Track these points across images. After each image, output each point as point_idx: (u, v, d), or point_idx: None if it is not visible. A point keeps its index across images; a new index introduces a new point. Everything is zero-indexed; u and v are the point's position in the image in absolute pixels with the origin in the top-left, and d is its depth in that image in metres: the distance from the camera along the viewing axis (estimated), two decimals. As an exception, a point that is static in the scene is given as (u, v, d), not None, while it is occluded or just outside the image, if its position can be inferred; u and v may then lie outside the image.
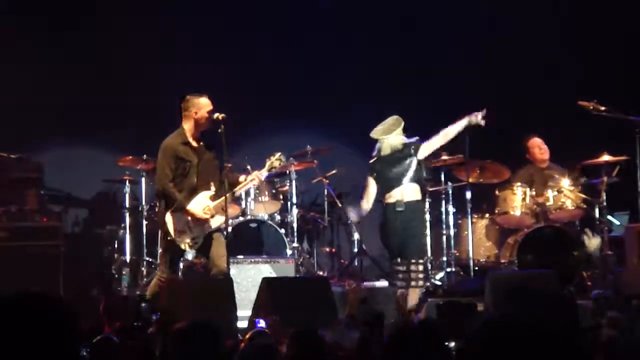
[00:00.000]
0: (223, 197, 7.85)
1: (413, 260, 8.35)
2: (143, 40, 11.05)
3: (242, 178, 8.12)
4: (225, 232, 8.04)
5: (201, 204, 7.98)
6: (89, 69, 10.99)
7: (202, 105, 7.98)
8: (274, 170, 8.23)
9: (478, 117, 8.37)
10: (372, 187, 8.55)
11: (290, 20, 11.68)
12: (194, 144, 8.03)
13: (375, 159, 8.57)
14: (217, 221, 8.04)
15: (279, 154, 8.20)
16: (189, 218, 7.96)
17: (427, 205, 10.83)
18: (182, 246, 8.00)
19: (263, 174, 8.16)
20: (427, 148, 8.49)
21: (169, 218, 8.01)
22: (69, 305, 2.65)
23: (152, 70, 10.96)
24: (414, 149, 8.46)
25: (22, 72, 10.58)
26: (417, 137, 8.56)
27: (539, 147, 10.34)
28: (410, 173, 8.42)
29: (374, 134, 8.58)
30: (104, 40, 11.03)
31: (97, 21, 11.10)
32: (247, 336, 5.40)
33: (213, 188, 8.05)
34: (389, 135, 8.49)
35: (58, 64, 10.83)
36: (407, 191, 8.40)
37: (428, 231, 9.99)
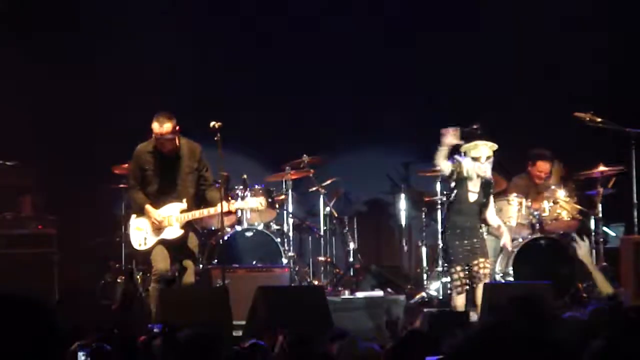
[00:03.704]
0: (189, 214, 8.19)
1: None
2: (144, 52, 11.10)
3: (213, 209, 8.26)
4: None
5: (167, 212, 8.23)
6: (87, 76, 10.96)
7: (153, 128, 8.17)
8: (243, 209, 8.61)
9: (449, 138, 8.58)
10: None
11: (288, 28, 11.69)
12: (165, 152, 8.21)
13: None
14: (174, 233, 8.24)
15: (262, 199, 8.50)
16: (148, 220, 8.26)
17: (423, 215, 10.91)
18: (133, 243, 8.37)
19: (232, 206, 8.34)
20: None
21: (132, 219, 8.40)
22: (50, 309, 2.64)
23: (151, 80, 10.96)
24: None
25: (18, 78, 10.58)
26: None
27: (544, 173, 10.24)
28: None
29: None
30: (105, 50, 11.05)
31: (98, 28, 11.13)
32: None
33: (185, 202, 8.20)
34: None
35: (56, 69, 10.81)
36: None
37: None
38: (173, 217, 8.19)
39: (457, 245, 8.61)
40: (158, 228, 8.21)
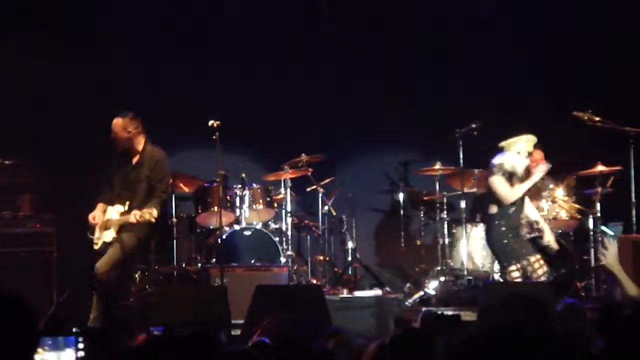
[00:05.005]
0: (123, 218, 8.08)
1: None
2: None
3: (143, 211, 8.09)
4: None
5: (109, 215, 8.26)
6: (88, 74, 10.94)
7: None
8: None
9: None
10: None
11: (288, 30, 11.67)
12: (129, 156, 8.27)
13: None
14: (109, 236, 8.21)
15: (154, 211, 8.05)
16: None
17: (421, 214, 10.91)
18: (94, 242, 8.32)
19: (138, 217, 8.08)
20: None
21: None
22: (28, 305, 2.63)
23: (147, 79, 10.96)
24: None
25: (17, 75, 10.56)
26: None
27: (540, 160, 10.22)
28: None
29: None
30: (106, 47, 11.05)
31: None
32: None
33: (127, 206, 8.20)
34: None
35: (58, 66, 10.79)
36: None
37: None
38: (112, 220, 8.21)
39: (513, 242, 8.57)
40: (102, 230, 8.24)
